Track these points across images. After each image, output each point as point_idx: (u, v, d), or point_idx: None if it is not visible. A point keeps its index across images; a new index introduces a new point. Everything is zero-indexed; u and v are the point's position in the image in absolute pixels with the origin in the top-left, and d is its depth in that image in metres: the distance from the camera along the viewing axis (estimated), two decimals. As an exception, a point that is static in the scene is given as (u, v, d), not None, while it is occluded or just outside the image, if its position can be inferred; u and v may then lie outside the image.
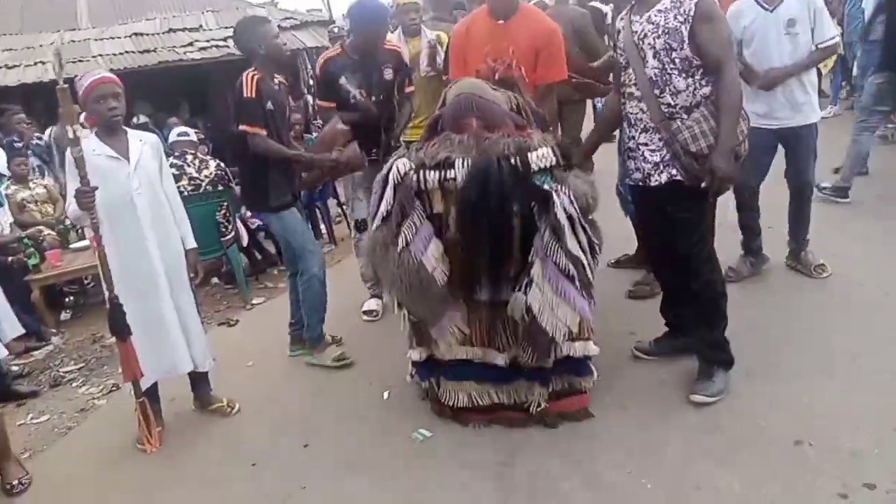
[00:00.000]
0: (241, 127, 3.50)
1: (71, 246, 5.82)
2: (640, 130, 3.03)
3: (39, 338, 5.13)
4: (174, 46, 9.54)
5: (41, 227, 6.12)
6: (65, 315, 5.68)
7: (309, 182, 4.20)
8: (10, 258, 5.42)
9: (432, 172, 2.81)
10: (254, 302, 5.30)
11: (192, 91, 10.45)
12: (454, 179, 2.78)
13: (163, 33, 10.01)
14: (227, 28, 10.12)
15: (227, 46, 9.60)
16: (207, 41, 9.71)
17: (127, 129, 3.20)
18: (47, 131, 7.42)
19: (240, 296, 5.40)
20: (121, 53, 9.25)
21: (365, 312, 4.54)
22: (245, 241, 5.65)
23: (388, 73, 4.20)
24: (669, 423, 2.94)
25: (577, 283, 2.75)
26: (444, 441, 3.03)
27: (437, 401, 3.19)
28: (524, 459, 2.84)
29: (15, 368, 4.58)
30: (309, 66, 11.32)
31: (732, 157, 2.84)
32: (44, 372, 4.56)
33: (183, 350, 3.27)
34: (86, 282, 5.96)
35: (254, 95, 3.46)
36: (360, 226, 4.47)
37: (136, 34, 9.98)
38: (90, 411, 3.88)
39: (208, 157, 5.49)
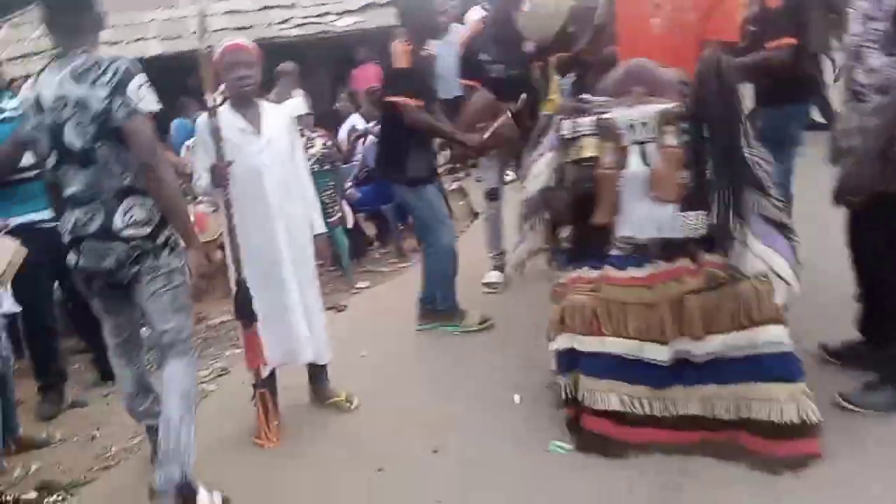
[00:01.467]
0: (393, 97, 3.47)
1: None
2: None
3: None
4: (270, 23, 9.42)
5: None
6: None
7: (459, 157, 4.07)
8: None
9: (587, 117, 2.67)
10: (358, 286, 5.09)
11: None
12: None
13: (258, 10, 9.91)
14: (322, 5, 9.97)
15: (323, 24, 9.45)
16: (303, 18, 9.57)
17: (260, 100, 2.99)
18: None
19: (344, 279, 5.21)
20: (217, 31, 9.19)
21: (486, 284, 4.40)
22: (350, 222, 5.44)
23: (529, 46, 4.04)
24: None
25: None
26: (588, 456, 2.68)
27: (575, 414, 2.76)
28: (696, 485, 2.46)
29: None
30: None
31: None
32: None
33: (306, 340, 3.05)
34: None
35: (406, 65, 3.44)
36: (491, 195, 4.38)
37: (231, 11, 9.93)
38: (199, 396, 3.71)
39: (315, 135, 5.30)
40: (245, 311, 2.88)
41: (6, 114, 3.55)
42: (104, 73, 2.34)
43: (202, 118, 2.85)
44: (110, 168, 2.38)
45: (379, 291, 4.88)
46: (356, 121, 6.61)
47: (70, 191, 2.46)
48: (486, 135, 3.77)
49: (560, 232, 2.82)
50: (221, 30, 9.10)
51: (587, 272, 2.68)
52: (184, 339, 2.58)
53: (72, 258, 2.54)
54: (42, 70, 2.49)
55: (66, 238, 2.54)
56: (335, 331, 4.09)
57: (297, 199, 3.03)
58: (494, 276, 4.48)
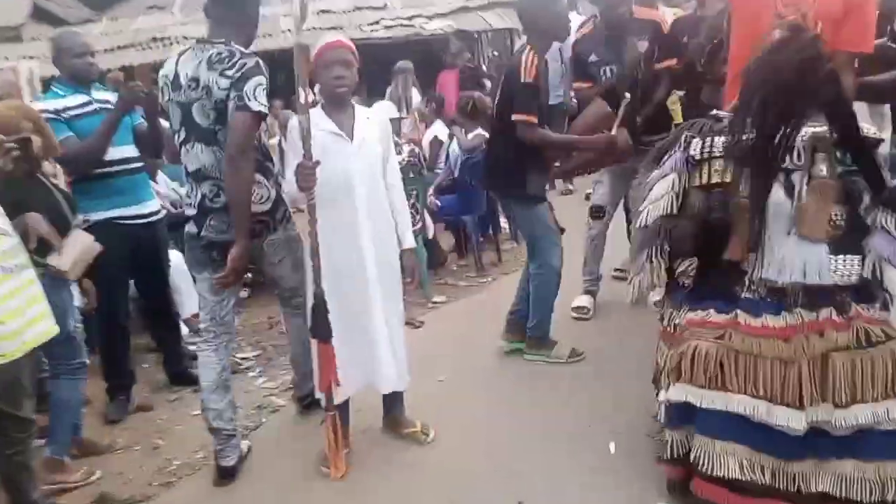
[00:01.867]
0: (517, 116, 3.29)
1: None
2: None
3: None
4: (361, 24, 9.34)
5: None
6: (243, 293, 5.48)
7: (568, 171, 3.83)
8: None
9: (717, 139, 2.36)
10: (435, 300, 4.83)
11: (369, 71, 10.26)
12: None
13: (350, 11, 9.85)
14: (412, 7, 9.83)
15: (412, 26, 9.30)
16: (393, 20, 9.44)
17: (355, 103, 2.77)
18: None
19: (421, 292, 4.95)
20: (308, 30, 9.15)
21: (575, 309, 4.14)
22: (431, 232, 5.19)
23: (642, 46, 3.80)
24: None
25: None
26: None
27: (684, 475, 2.41)
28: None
29: (192, 348, 4.36)
30: (487, 49, 10.85)
31: None
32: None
33: (388, 366, 2.79)
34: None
35: (532, 80, 3.25)
36: (596, 213, 4.13)
37: (323, 11, 9.90)
38: (267, 410, 3.53)
39: (402, 141, 5.08)
40: (320, 327, 2.65)
41: (94, 105, 3.43)
42: (232, 65, 2.54)
43: (293, 120, 2.64)
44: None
45: (457, 308, 4.61)
46: (439, 129, 6.35)
47: (195, 166, 2.69)
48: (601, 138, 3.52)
49: (680, 266, 2.47)
50: (312, 29, 9.07)
51: (712, 315, 2.32)
52: (301, 295, 2.90)
53: (193, 228, 2.77)
54: (186, 50, 2.75)
55: (192, 211, 2.76)
56: (411, 349, 3.83)
57: (387, 209, 2.78)
58: (586, 300, 4.19)
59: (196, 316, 4.69)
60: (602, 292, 4.28)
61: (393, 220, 2.80)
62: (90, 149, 3.30)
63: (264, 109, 2.53)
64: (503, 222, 6.19)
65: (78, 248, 2.81)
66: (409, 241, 2.86)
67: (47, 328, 2.40)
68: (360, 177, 2.65)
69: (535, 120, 3.29)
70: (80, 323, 3.01)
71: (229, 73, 2.52)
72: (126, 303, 3.72)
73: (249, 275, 5.80)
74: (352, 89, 2.71)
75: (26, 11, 10.03)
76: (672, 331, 2.47)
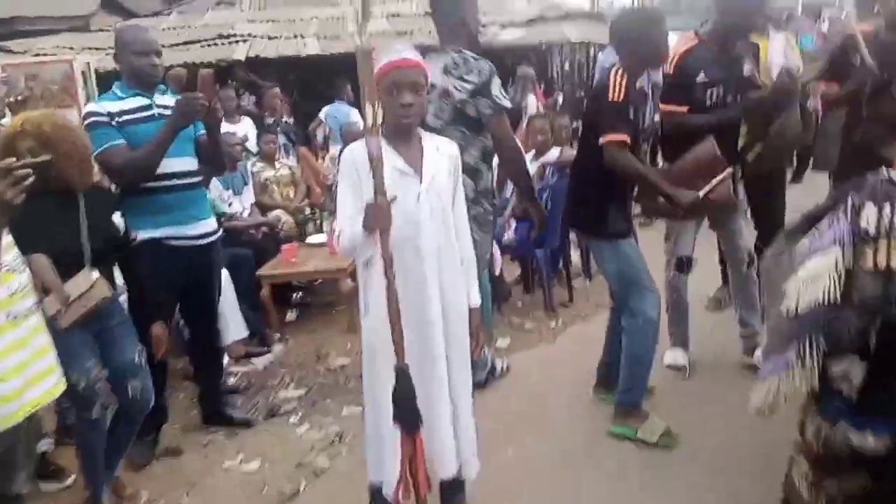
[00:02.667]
0: (607, 137, 2.91)
1: (308, 240, 5.25)
2: None
3: (262, 340, 4.57)
4: (431, 30, 8.90)
5: (279, 213, 5.67)
6: (290, 315, 5.11)
7: (652, 210, 3.37)
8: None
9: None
10: (498, 344, 4.34)
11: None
12: None
13: (420, 15, 9.45)
14: (486, 14, 9.37)
15: (485, 35, 8.84)
16: (465, 27, 9.00)
17: (423, 131, 2.31)
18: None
19: (482, 330, 4.48)
20: (377, 34, 8.80)
21: (669, 366, 3.70)
22: (498, 267, 4.71)
23: (747, 69, 3.37)
24: None
25: None
26: None
27: None
28: None
29: (231, 381, 3.99)
30: (558, 62, 10.35)
31: None
32: (260, 391, 3.92)
33: (450, 450, 2.32)
34: (315, 281, 5.39)
35: (621, 99, 2.90)
36: (681, 264, 3.60)
37: (393, 15, 9.55)
38: (308, 471, 3.08)
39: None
40: (406, 413, 2.13)
41: (154, 111, 3.07)
42: (470, 71, 2.93)
43: (347, 150, 2.21)
44: (460, 145, 2.52)
45: (527, 361, 4.07)
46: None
47: None
48: (702, 193, 3.03)
49: (837, 366, 1.94)
50: (382, 33, 8.72)
51: (886, 442, 1.79)
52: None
53: None
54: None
55: None
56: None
57: (456, 259, 2.31)
58: (680, 356, 3.70)
59: (239, 342, 4.35)
60: (699, 340, 3.81)
61: (461, 271, 2.33)
62: (140, 161, 2.95)
63: (509, 104, 3.06)
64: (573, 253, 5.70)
65: (76, 293, 2.44)
66: (475, 299, 2.38)
67: (53, 385, 2.02)
68: (429, 221, 2.19)
69: (626, 139, 2.89)
70: (92, 377, 2.60)
71: (468, 79, 2.92)
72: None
73: (299, 294, 5.48)
74: (421, 119, 2.26)
75: (97, 1, 9.95)
76: (819, 450, 1.94)
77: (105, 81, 6.52)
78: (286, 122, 6.63)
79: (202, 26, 9.55)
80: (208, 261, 3.27)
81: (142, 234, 2.97)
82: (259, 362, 4.33)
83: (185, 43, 8.68)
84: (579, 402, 3.45)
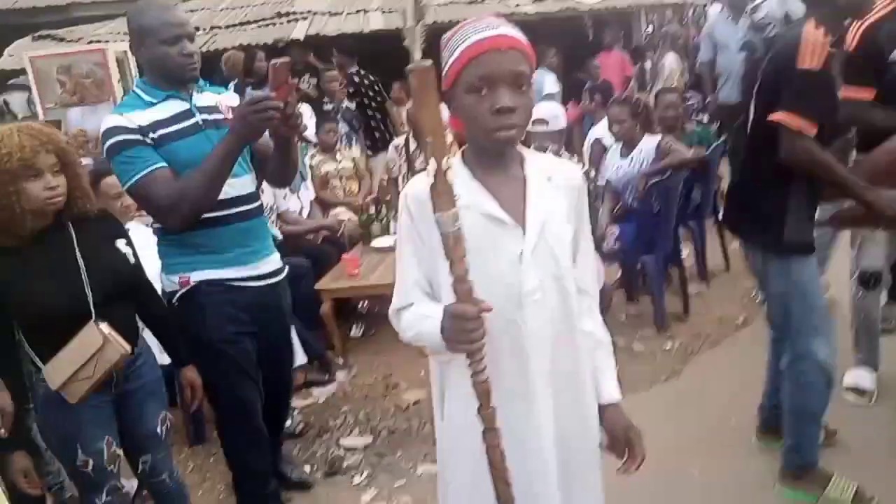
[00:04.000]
0: (781, 116, 2.11)
1: (373, 243, 4.58)
2: None
3: (323, 366, 3.95)
4: (506, -2, 8.05)
5: (340, 212, 5.04)
6: (355, 331, 4.48)
7: (834, 220, 2.57)
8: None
9: None
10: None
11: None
12: None
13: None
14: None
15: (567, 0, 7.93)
16: (543, -8, 8.09)
17: (525, 150, 1.47)
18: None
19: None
20: (446, 4, 8.00)
21: (850, 389, 2.99)
22: (602, 278, 3.91)
23: None
24: None
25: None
26: None
27: None
28: None
29: (287, 422, 3.36)
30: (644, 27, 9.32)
31: None
32: (320, 437, 3.29)
33: None
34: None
35: (819, 68, 2.05)
36: (869, 280, 2.90)
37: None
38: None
39: (568, 155, 3.85)
40: None
41: (197, 118, 2.25)
42: None
43: (408, 189, 1.41)
44: None
45: (646, 403, 3.17)
46: (602, 131, 5.00)
47: None
48: None
49: None
50: (451, 3, 7.91)
51: None
52: None
53: None
54: None
55: None
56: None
57: (580, 349, 1.47)
58: (866, 377, 2.97)
59: (296, 370, 3.74)
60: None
61: (588, 361, 1.49)
62: (195, 191, 2.13)
63: None
64: (683, 252, 4.85)
65: (81, 359, 1.83)
66: (612, 393, 1.53)
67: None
68: (538, 296, 1.38)
69: (808, 127, 2.10)
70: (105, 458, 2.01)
71: None
72: (257, 391, 2.48)
73: (364, 303, 4.84)
74: (525, 130, 1.41)
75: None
76: None
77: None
78: (347, 107, 5.96)
79: (260, 4, 8.97)
80: (276, 304, 2.49)
81: (194, 276, 2.27)
82: (320, 394, 3.72)
83: (241, 24, 8.12)
84: (736, 457, 2.67)
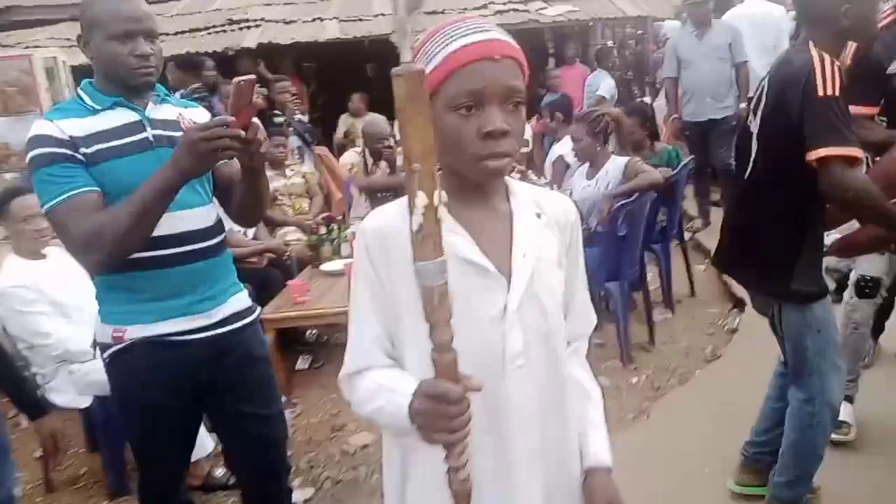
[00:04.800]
0: (823, 151, 1.90)
1: (322, 266, 4.29)
2: None
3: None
4: (466, 7, 7.83)
5: (288, 231, 4.75)
6: (301, 363, 4.17)
7: (848, 247, 2.40)
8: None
9: None
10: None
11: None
12: None
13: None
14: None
15: (528, 11, 7.76)
16: (505, 3, 7.91)
17: (511, 181, 1.21)
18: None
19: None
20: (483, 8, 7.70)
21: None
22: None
23: None
24: None
25: None
26: None
27: None
28: None
29: (219, 473, 3.04)
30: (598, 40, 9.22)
31: None
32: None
33: None
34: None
35: (836, 94, 1.89)
36: (865, 288, 2.71)
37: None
38: None
39: (536, 177, 3.61)
40: None
41: (150, 132, 1.83)
42: None
43: (368, 223, 1.14)
44: None
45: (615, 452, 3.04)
46: (564, 148, 4.81)
47: None
48: None
49: None
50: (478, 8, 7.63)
51: None
52: None
53: None
54: None
55: None
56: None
57: (569, 418, 1.22)
58: (844, 412, 2.69)
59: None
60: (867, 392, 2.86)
61: (576, 428, 1.23)
62: (118, 228, 1.69)
63: None
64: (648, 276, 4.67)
65: None
66: (602, 457, 1.25)
67: None
68: (520, 360, 1.12)
69: (857, 153, 1.92)
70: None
71: None
72: (184, 468, 2.15)
73: (312, 331, 4.53)
74: (514, 156, 1.14)
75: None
76: None
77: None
78: (299, 119, 5.66)
79: (213, 11, 8.63)
80: (244, 352, 1.99)
81: (130, 332, 1.84)
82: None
83: (192, 31, 7.76)
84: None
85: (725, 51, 5.42)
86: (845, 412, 2.77)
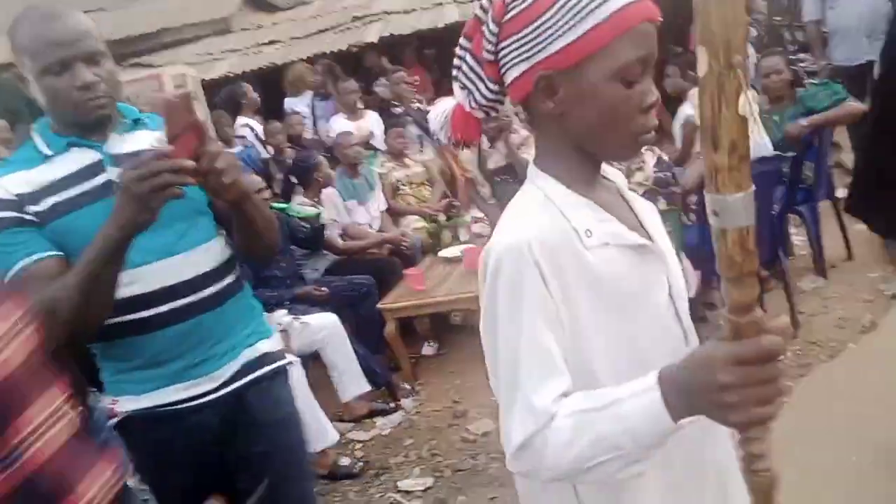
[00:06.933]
0: None
1: (441, 253, 4.30)
2: None
3: (390, 391, 3.70)
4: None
5: (411, 223, 4.80)
6: (427, 349, 4.20)
7: None
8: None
9: None
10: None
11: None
12: None
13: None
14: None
15: None
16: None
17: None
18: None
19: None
20: (399, 12, 7.57)
21: None
22: (693, 287, 3.42)
23: None
24: None
25: None
26: None
27: None
28: None
29: (345, 461, 3.13)
30: None
31: None
32: (378, 478, 3.04)
33: None
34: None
35: None
36: None
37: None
38: None
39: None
40: None
41: (112, 172, 1.49)
42: None
43: (536, 239, 0.89)
44: None
45: None
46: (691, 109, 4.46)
47: None
48: None
49: None
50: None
51: None
52: None
53: None
54: None
55: None
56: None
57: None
58: None
59: (360, 398, 3.53)
60: None
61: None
62: (63, 312, 1.37)
63: None
64: (796, 238, 4.24)
65: None
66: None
67: None
68: (692, 340, 1.00)
69: None
70: None
71: None
72: None
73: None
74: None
75: (238, -1, 9.64)
76: None
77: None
78: (419, 108, 5.68)
79: (341, 10, 8.88)
80: (256, 419, 1.65)
81: (121, 404, 1.60)
82: (384, 425, 3.47)
83: (319, 32, 8.03)
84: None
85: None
86: None
